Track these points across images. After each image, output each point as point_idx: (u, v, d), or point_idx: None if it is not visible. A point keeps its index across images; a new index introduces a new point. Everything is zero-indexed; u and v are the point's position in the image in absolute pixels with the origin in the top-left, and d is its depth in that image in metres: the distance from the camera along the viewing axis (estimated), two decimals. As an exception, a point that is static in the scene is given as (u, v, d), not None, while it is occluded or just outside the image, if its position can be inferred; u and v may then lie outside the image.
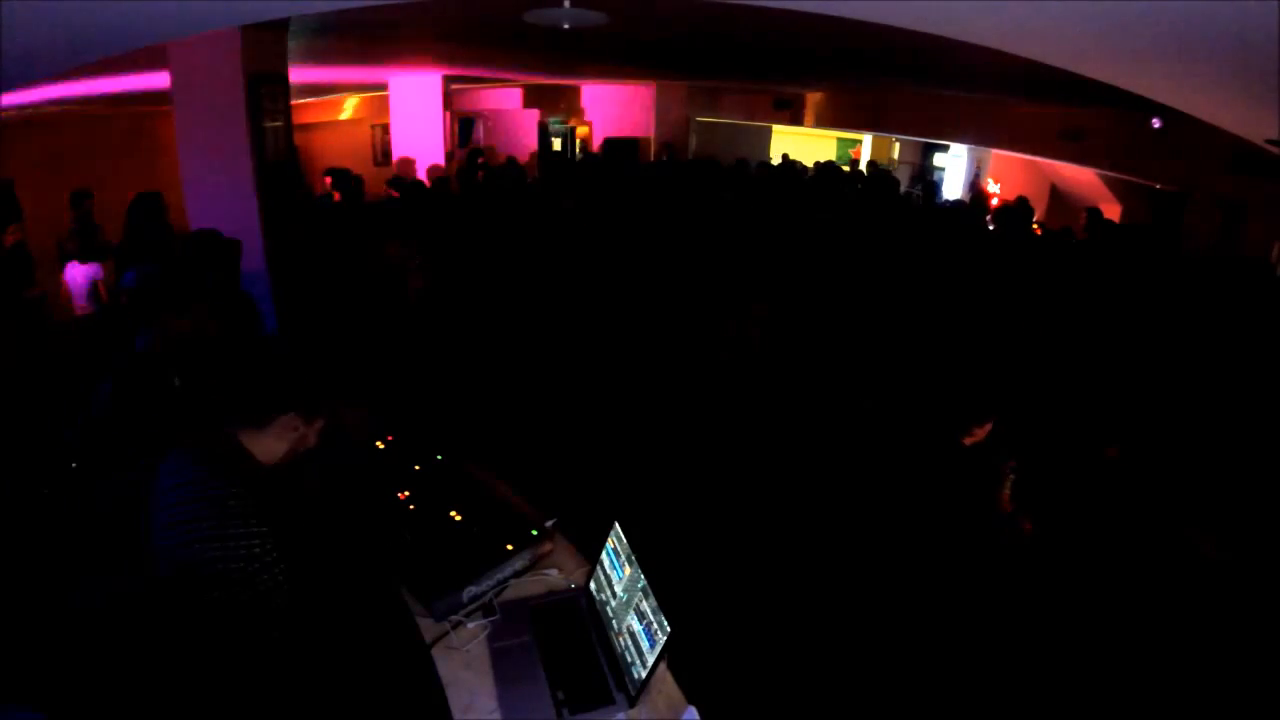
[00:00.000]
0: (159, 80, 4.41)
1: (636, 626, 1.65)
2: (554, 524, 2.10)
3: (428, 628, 1.75)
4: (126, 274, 2.59)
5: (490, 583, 1.88)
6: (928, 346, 4.11)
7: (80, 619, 1.72)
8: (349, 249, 4.41)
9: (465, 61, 7.80)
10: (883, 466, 2.83)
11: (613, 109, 12.07)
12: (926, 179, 12.27)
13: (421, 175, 7.81)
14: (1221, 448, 3.17)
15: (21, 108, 5.29)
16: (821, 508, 3.05)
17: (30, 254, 5.03)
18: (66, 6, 1.80)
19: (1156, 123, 6.43)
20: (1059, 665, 2.53)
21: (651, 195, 7.00)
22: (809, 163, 10.35)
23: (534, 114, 11.27)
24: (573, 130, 12.24)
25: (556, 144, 12.01)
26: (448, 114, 9.19)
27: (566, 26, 3.63)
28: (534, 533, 2.03)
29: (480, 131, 11.03)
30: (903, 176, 12.13)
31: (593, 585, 1.89)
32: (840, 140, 15.03)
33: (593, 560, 1.92)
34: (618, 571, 1.79)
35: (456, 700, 1.57)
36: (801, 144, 14.05)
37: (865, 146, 14.15)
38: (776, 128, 13.31)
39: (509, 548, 1.95)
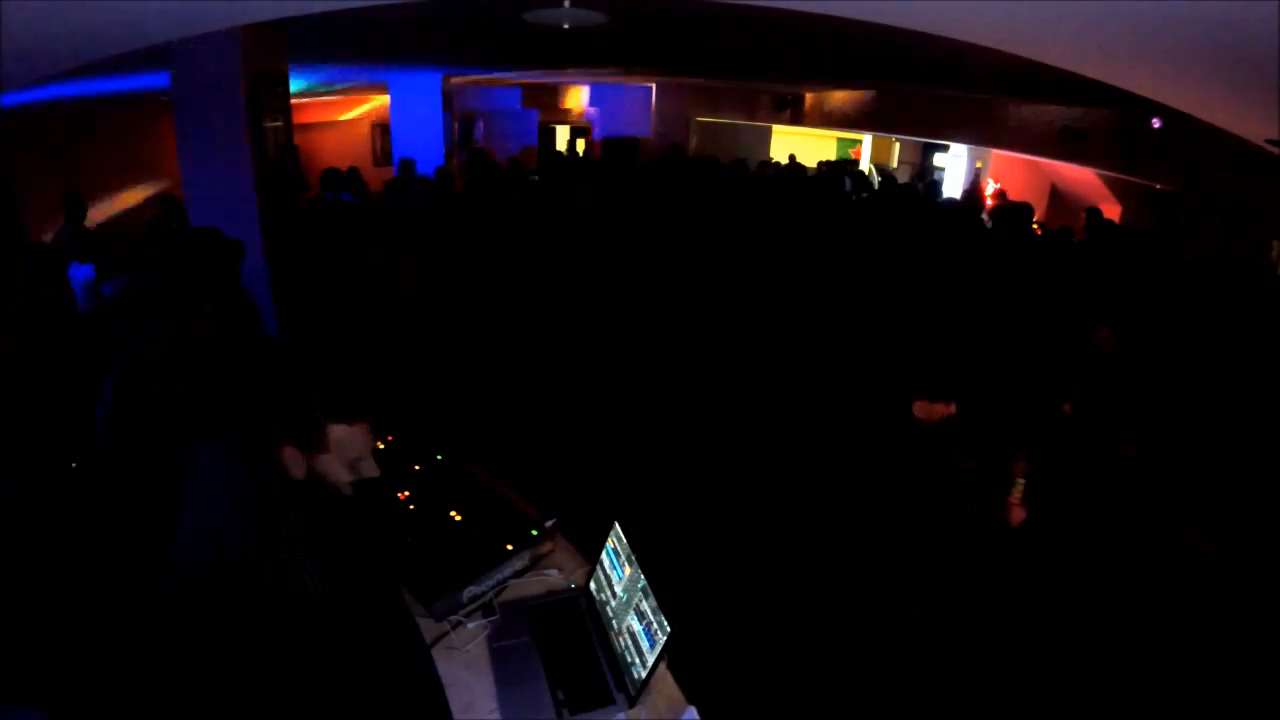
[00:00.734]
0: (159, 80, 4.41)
1: (636, 626, 1.65)
2: (554, 524, 2.10)
3: (428, 628, 1.75)
4: (105, 285, 2.57)
5: (490, 583, 1.88)
6: (907, 333, 4.08)
7: (84, 618, 1.72)
8: (341, 251, 4.41)
9: (465, 61, 7.81)
10: (857, 448, 2.79)
11: (613, 109, 12.08)
12: (927, 179, 12.26)
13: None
14: (1222, 447, 3.17)
15: (21, 107, 5.28)
16: (819, 506, 3.05)
17: (47, 250, 4.98)
18: (66, 6, 1.80)
19: (1156, 123, 6.43)
20: (1059, 664, 2.53)
21: (658, 194, 7.00)
22: (810, 163, 10.35)
23: (534, 114, 11.29)
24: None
25: (565, 145, 12.01)
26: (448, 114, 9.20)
27: (566, 26, 3.64)
28: (534, 533, 2.03)
29: (480, 131, 11.03)
30: (902, 177, 12.13)
31: (593, 585, 1.89)
32: (840, 140, 15.02)
33: (593, 560, 1.92)
34: (618, 571, 1.79)
35: (456, 700, 1.57)
36: (801, 144, 14.04)
37: (865, 146, 14.14)
38: (776, 128, 13.32)
39: (509, 548, 1.95)
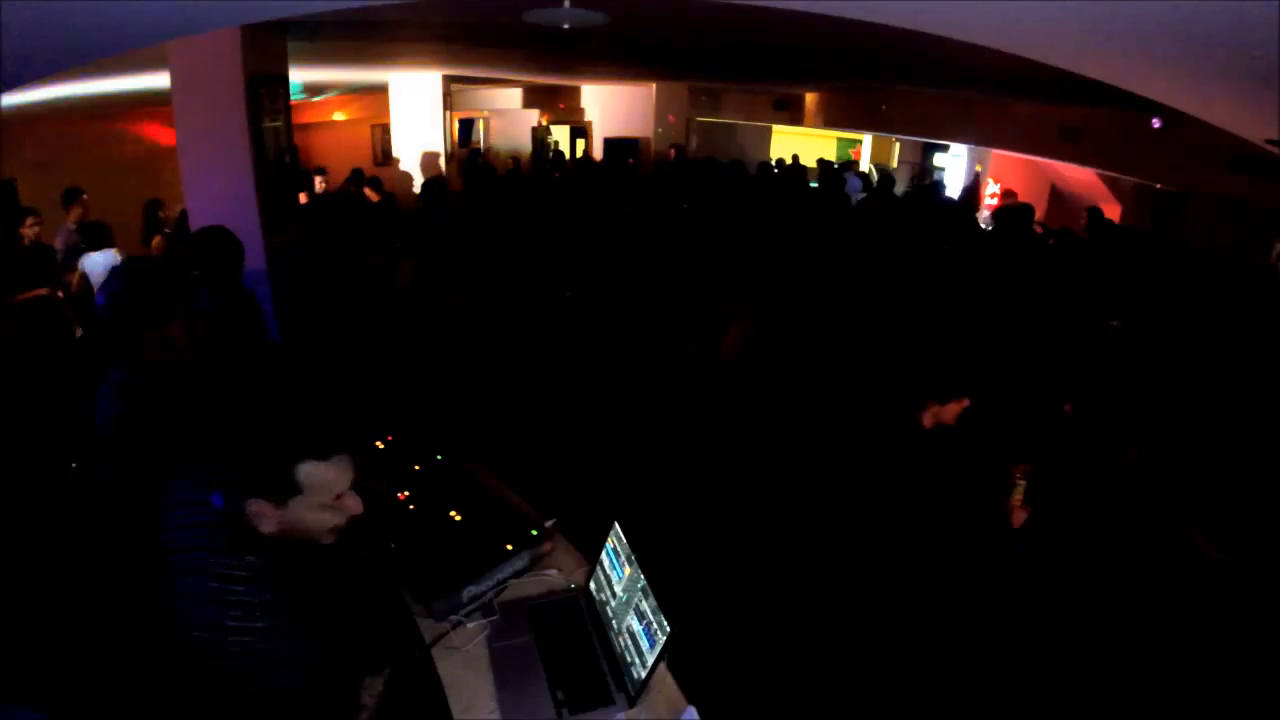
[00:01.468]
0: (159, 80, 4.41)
1: (636, 626, 1.65)
2: (554, 524, 2.09)
3: (427, 628, 1.75)
4: (97, 296, 2.56)
5: (490, 583, 1.88)
6: (908, 333, 4.07)
7: (84, 618, 1.71)
8: (341, 252, 4.41)
9: (465, 61, 7.81)
10: (862, 453, 2.76)
11: (613, 108, 12.07)
12: (928, 179, 12.27)
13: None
14: (1222, 447, 3.17)
15: (22, 107, 5.28)
16: (820, 506, 3.05)
17: (52, 249, 4.97)
18: (66, 6, 1.80)
19: (1156, 122, 6.43)
20: (1060, 665, 2.52)
21: (661, 194, 7.00)
22: (810, 163, 10.36)
23: (533, 114, 11.29)
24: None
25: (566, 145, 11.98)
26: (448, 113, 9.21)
27: (566, 27, 3.64)
28: (534, 533, 2.02)
29: (480, 131, 11.04)
30: (902, 177, 12.14)
31: (592, 585, 1.89)
32: (840, 140, 15.02)
33: (593, 560, 1.92)
34: (618, 571, 1.79)
35: (456, 700, 1.57)
36: (801, 144, 14.05)
37: (865, 146, 14.14)
38: (776, 128, 13.33)
39: (509, 548, 1.95)
